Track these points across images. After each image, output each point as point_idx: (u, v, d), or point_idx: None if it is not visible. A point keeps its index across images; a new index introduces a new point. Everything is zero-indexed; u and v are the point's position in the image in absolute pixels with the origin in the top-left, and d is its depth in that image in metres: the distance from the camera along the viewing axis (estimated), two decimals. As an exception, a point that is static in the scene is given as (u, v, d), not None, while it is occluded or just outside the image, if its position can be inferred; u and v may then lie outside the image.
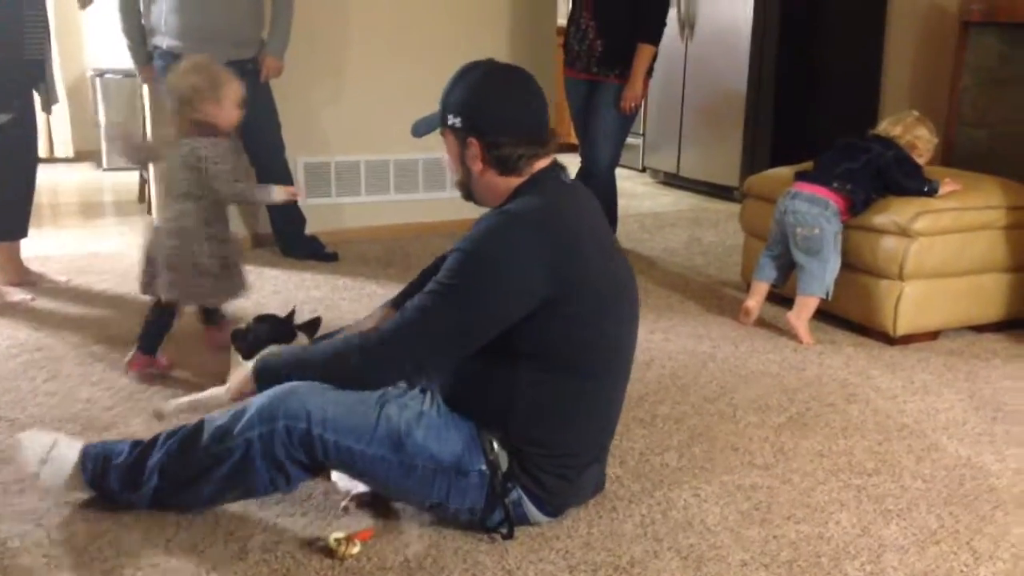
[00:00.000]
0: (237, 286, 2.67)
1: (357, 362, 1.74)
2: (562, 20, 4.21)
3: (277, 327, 2.22)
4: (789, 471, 2.17)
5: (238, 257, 2.67)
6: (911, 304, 2.97)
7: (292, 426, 1.71)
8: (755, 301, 3.19)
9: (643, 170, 6.19)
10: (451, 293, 1.68)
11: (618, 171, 4.98)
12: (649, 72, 3.77)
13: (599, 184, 3.83)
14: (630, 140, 6.17)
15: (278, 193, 2.69)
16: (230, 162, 2.53)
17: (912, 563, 1.79)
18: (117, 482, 1.83)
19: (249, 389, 1.84)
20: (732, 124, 5.17)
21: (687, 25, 5.42)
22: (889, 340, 3.02)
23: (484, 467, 1.75)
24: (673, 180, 5.85)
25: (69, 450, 1.85)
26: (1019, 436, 2.35)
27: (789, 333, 3.08)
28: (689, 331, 3.16)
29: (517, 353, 1.73)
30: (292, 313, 2.32)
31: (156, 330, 2.65)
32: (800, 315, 3.05)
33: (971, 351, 2.98)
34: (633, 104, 3.74)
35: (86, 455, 1.85)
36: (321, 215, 4.16)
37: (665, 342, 3.05)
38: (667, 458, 2.22)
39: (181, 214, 2.55)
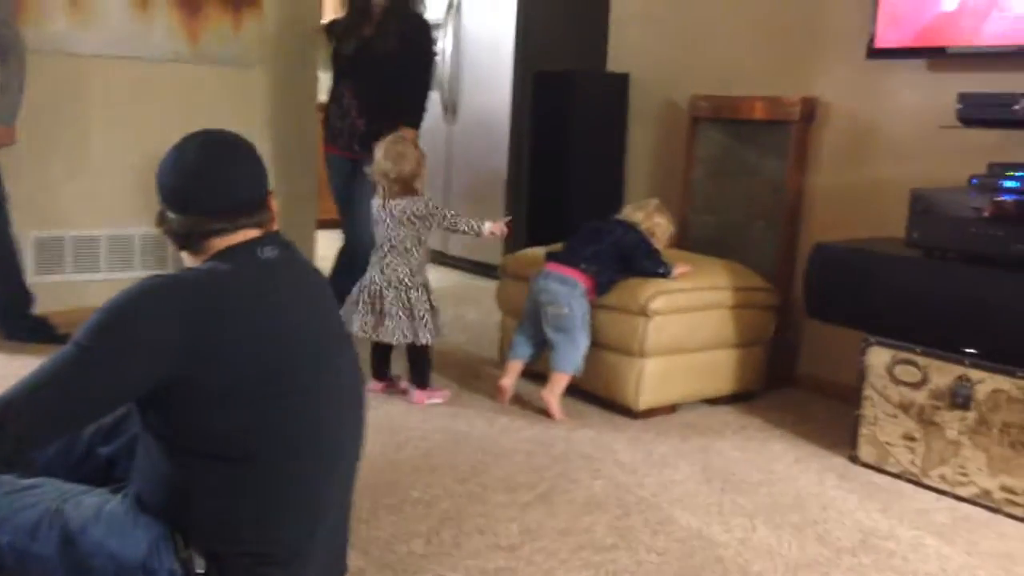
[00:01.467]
0: None
1: None
2: (323, 96, 4.21)
3: None
4: (534, 551, 2.19)
5: None
6: (651, 379, 3.13)
7: None
8: (509, 379, 3.26)
9: (410, 247, 6.23)
10: (71, 357, 1.50)
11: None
12: None
13: (364, 263, 3.80)
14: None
15: None
16: None
17: (643, 638, 1.85)
18: None
19: None
20: (494, 204, 5.33)
21: (450, 108, 5.57)
22: (632, 414, 3.16)
23: (176, 566, 1.60)
24: (440, 258, 5.93)
25: None
26: (744, 506, 2.51)
27: (542, 409, 3.15)
28: (446, 409, 3.17)
29: (174, 442, 1.58)
30: None
31: None
32: (553, 391, 3.14)
33: (705, 423, 3.17)
34: None
35: None
36: (53, 293, 3.86)
37: (422, 422, 3.04)
38: (414, 545, 2.19)
39: None
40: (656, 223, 3.30)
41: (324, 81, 4.23)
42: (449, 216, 3.20)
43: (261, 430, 1.59)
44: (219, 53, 4.18)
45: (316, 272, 1.83)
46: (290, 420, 1.62)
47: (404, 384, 3.34)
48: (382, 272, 3.19)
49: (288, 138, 4.36)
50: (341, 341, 1.77)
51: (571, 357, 3.14)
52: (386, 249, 3.20)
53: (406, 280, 3.18)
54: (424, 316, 3.18)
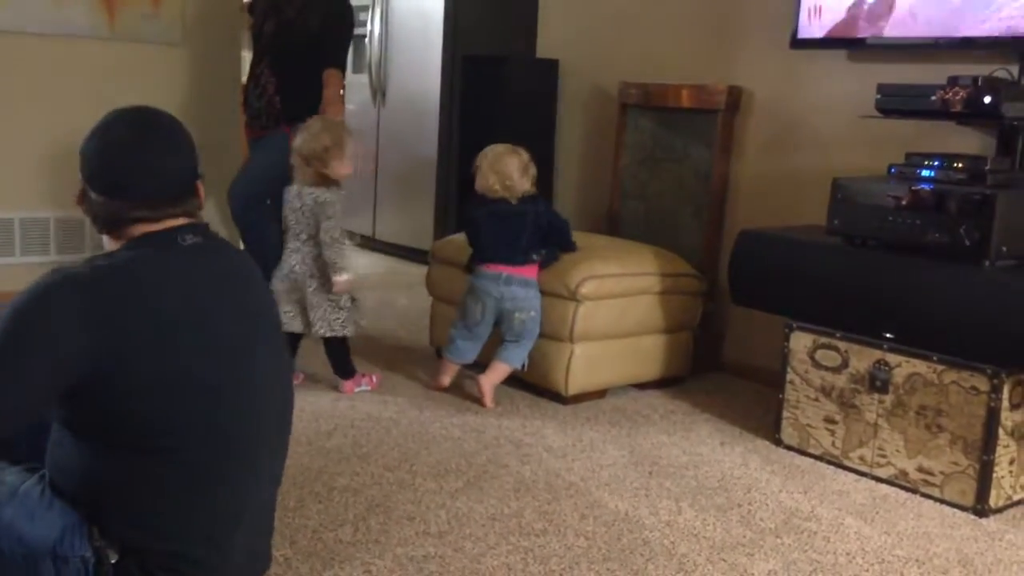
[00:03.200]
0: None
1: None
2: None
3: None
4: (462, 537, 2.19)
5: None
6: (581, 364, 3.15)
7: None
8: (448, 379, 3.22)
9: (339, 232, 6.16)
10: None
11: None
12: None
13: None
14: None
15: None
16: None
17: (571, 622, 1.86)
18: None
19: None
20: (424, 189, 5.29)
21: (379, 92, 5.51)
22: (562, 399, 3.18)
23: (89, 554, 1.55)
24: (369, 243, 5.88)
25: None
26: (671, 489, 2.54)
27: (472, 396, 3.15)
28: (375, 397, 3.14)
29: (84, 434, 1.53)
30: None
31: None
32: (491, 379, 3.13)
33: (633, 408, 3.20)
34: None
35: None
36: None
37: (350, 409, 3.01)
38: (341, 533, 2.17)
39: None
40: (531, 176, 3.19)
41: (248, 62, 4.14)
42: (329, 232, 3.02)
43: (173, 423, 1.54)
44: (139, 30, 4.06)
45: (246, 262, 1.77)
46: (204, 413, 1.57)
47: (300, 378, 3.21)
48: (303, 261, 3.08)
49: (212, 119, 4.25)
50: (266, 333, 1.71)
51: (523, 353, 3.15)
52: (303, 238, 3.08)
53: (308, 271, 3.07)
54: (346, 307, 3.10)
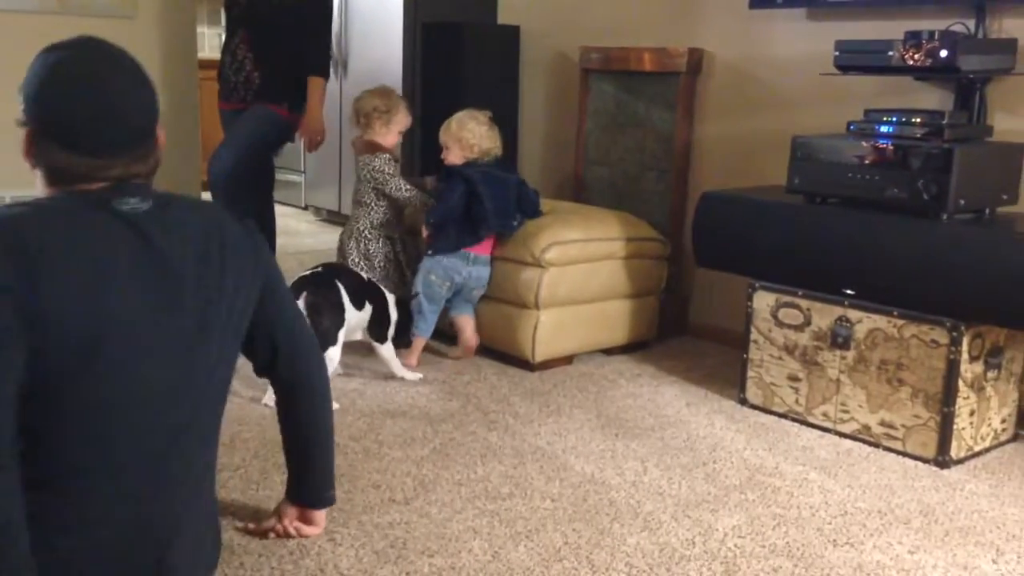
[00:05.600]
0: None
1: None
2: (204, 52, 4.05)
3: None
4: (428, 503, 2.19)
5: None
6: (547, 331, 3.15)
7: None
8: (417, 356, 3.20)
9: (305, 208, 6.11)
10: None
11: (280, 209, 4.83)
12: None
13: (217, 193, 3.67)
14: (292, 177, 6.14)
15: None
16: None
17: (536, 582, 1.87)
18: None
19: None
20: (389, 162, 5.24)
21: (340, 63, 5.44)
22: (529, 367, 3.17)
23: None
24: (335, 218, 5.82)
25: None
26: (637, 450, 2.55)
27: (440, 365, 3.15)
28: (341, 367, 3.12)
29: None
30: None
31: None
32: (473, 326, 3.24)
33: (600, 373, 3.21)
34: (319, 138, 3.66)
35: None
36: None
37: (315, 382, 2.98)
38: (306, 503, 2.16)
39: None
40: (498, 135, 3.21)
41: (206, 37, 4.06)
42: (394, 193, 3.25)
43: (54, 445, 1.33)
44: (91, 4, 3.97)
45: (212, 234, 1.51)
46: (112, 424, 1.38)
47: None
48: (356, 220, 3.32)
49: (168, 95, 4.18)
50: (203, 324, 1.48)
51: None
52: (360, 200, 3.32)
53: (366, 232, 3.27)
54: (385, 269, 3.25)
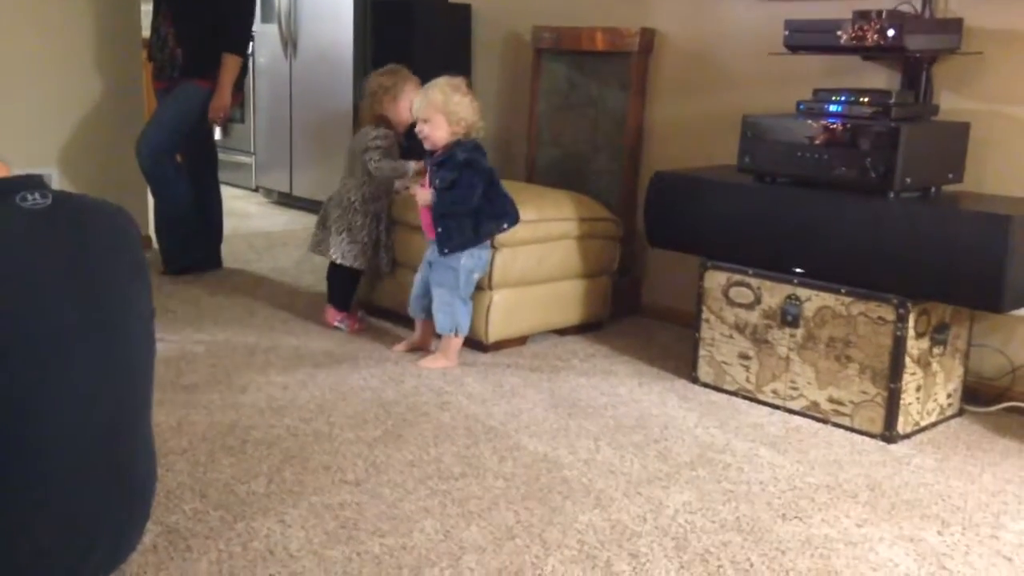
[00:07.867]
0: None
1: None
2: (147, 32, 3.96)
3: None
4: (380, 484, 2.17)
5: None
6: (500, 312, 3.13)
7: None
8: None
9: (256, 190, 6.02)
10: None
11: (230, 191, 4.75)
12: (239, 85, 3.70)
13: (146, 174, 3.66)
14: (241, 159, 6.04)
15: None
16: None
17: (488, 562, 1.86)
18: None
19: None
20: (341, 142, 5.12)
21: (290, 43, 5.36)
22: (483, 347, 3.16)
23: None
24: (286, 200, 5.75)
25: None
26: (590, 429, 2.55)
27: (391, 346, 3.13)
28: (291, 351, 3.08)
29: None
30: None
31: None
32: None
33: (554, 353, 3.20)
34: (221, 114, 3.68)
35: None
36: None
37: (266, 364, 2.94)
38: (255, 485, 2.13)
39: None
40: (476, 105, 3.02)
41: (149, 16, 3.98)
42: (369, 162, 3.22)
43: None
44: (29, -20, 3.86)
45: (112, 232, 1.51)
46: (31, 427, 1.36)
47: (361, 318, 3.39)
48: (338, 191, 3.30)
49: (112, 70, 4.08)
50: (113, 316, 1.47)
51: None
52: (346, 171, 3.31)
53: (356, 205, 3.24)
54: (361, 242, 3.24)
